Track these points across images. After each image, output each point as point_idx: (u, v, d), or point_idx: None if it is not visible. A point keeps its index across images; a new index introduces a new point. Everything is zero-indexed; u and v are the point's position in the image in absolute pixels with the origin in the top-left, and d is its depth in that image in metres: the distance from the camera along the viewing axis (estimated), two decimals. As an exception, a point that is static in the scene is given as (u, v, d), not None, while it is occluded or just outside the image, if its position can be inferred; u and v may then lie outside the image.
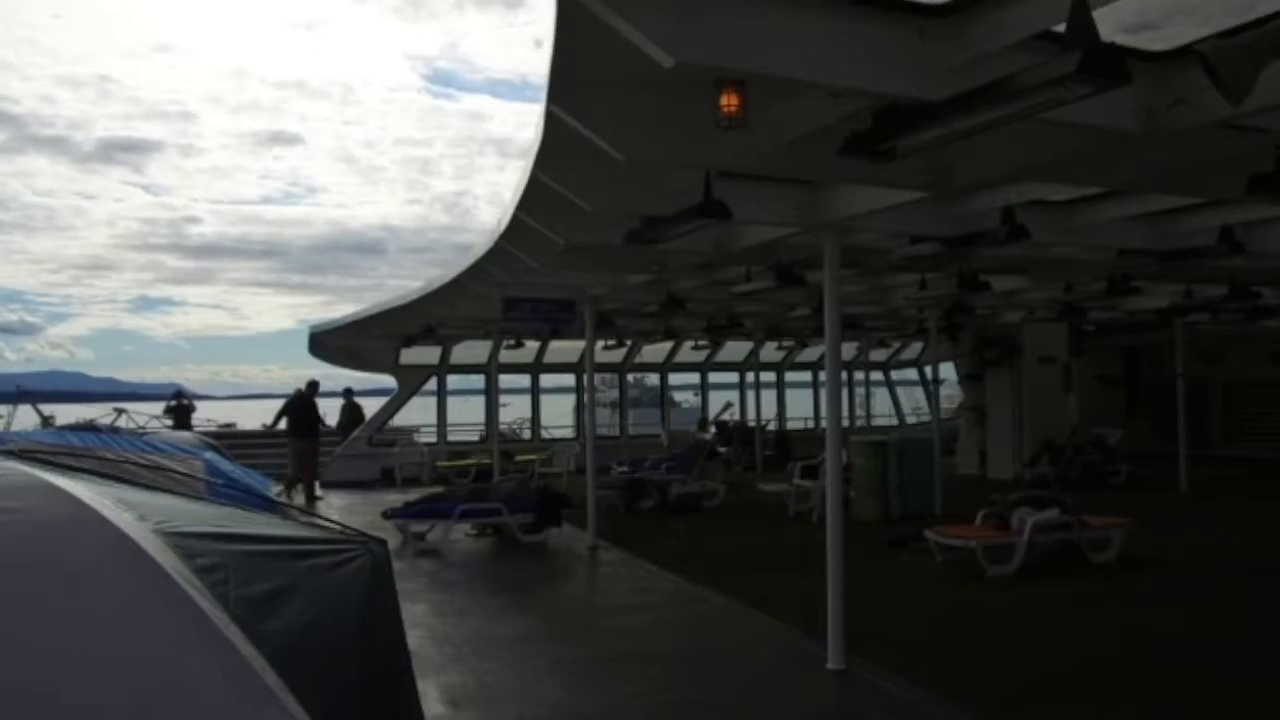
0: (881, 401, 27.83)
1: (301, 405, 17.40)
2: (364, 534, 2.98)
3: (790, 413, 26.07)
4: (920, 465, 13.75)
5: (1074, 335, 19.13)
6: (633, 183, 6.67)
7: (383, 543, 2.91)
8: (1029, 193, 7.34)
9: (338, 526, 2.97)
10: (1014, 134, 4.55)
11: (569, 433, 24.14)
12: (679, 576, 9.80)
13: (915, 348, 25.11)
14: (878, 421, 26.90)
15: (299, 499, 15.76)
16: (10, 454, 2.83)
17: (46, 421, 26.95)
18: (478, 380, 22.38)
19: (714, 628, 8.13)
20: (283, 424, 17.41)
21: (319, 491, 17.39)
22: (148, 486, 3.42)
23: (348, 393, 21.57)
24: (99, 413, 27.39)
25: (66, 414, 30.55)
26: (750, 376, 23.58)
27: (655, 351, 23.26)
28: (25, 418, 27.76)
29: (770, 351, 23.49)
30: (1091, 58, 3.25)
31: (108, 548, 2.23)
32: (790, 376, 25.74)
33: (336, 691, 2.46)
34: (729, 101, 4.20)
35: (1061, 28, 3.48)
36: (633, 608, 8.89)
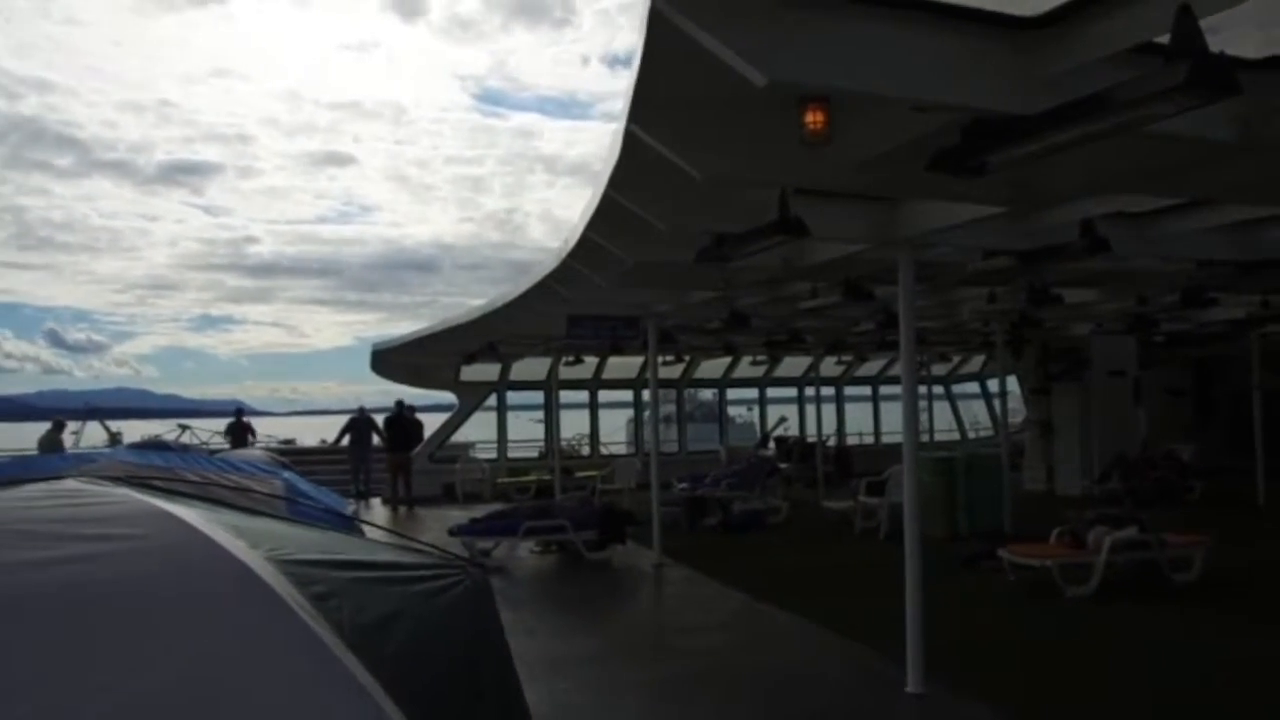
0: (941, 416, 27.45)
1: (399, 422, 18.88)
2: (462, 559, 2.97)
3: (848, 428, 25.82)
4: (988, 481, 13.51)
5: (1143, 347, 18.72)
6: (704, 200, 6.63)
7: (481, 567, 2.91)
8: (1108, 204, 7.18)
9: (437, 551, 2.96)
10: (1099, 146, 4.44)
11: (623, 448, 24.13)
12: (747, 595, 9.72)
13: (976, 361, 24.75)
14: (939, 437, 26.53)
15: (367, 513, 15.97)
16: (119, 480, 2.86)
17: (114, 438, 27.58)
18: (534, 396, 22.51)
19: (786, 648, 8.02)
20: (344, 439, 18.09)
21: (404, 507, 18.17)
22: (244, 510, 3.45)
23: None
24: (163, 429, 27.98)
25: (132, 430, 31.25)
26: (809, 391, 23.40)
27: (713, 367, 23.18)
28: (94, 434, 28.42)
29: (829, 366, 23.29)
30: (1201, 69, 3.16)
31: (227, 576, 2.24)
32: (848, 391, 25.50)
33: (450, 717, 2.45)
34: (814, 119, 4.15)
35: (1160, 38, 3.39)
36: (703, 627, 8.82)
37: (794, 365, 23.29)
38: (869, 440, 25.32)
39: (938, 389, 26.24)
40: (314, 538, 2.86)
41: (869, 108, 4.54)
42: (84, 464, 5.14)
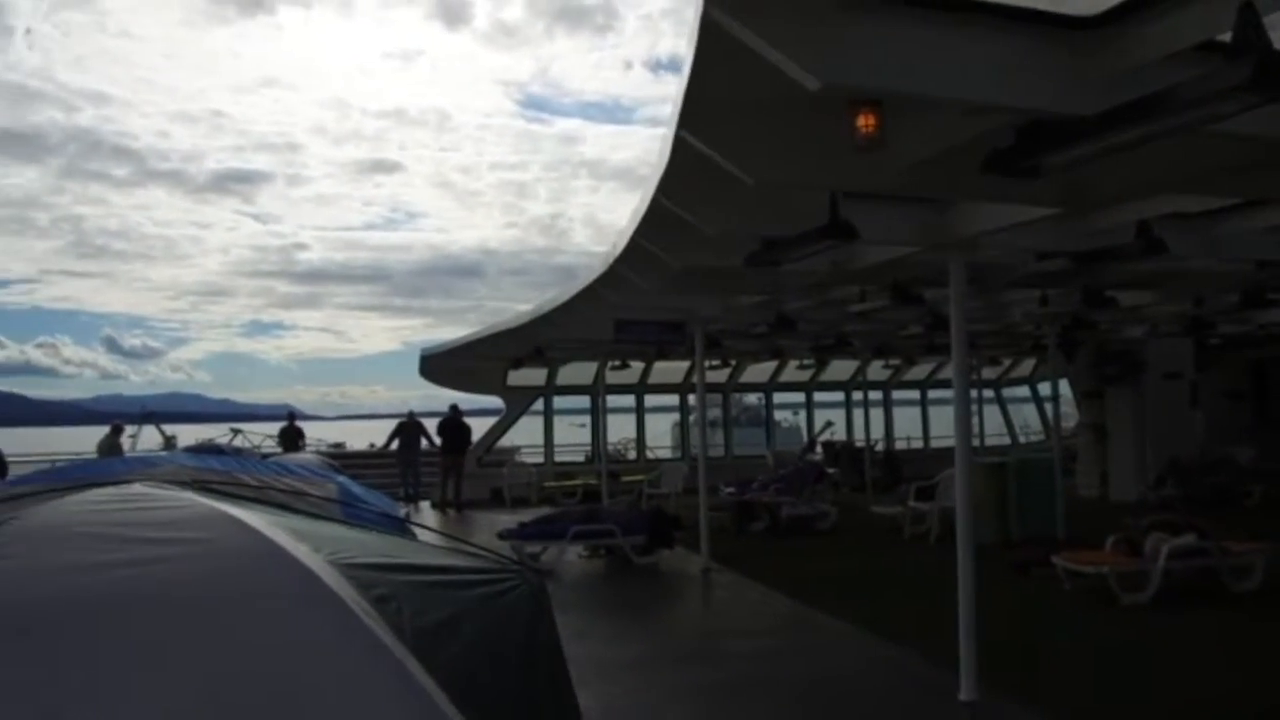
0: (991, 420, 27.08)
1: (452, 425, 19.21)
2: (519, 563, 3.00)
3: (896, 432, 25.58)
4: (1040, 486, 13.29)
5: (1199, 349, 18.34)
6: (753, 204, 6.61)
7: (538, 572, 2.93)
8: (1164, 205, 7.05)
9: (493, 555, 2.99)
10: (1157, 146, 4.36)
11: (669, 452, 24.10)
12: (795, 600, 9.67)
13: (1027, 365, 24.40)
14: (989, 441, 26.18)
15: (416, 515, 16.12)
16: (184, 484, 2.92)
17: (169, 442, 28.11)
18: (580, 401, 22.57)
19: (836, 654, 7.96)
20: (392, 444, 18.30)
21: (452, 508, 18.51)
22: (302, 513, 3.50)
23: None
24: (216, 433, 28.47)
25: (186, 434, 31.83)
26: (856, 395, 23.23)
27: (759, 370, 23.10)
28: (150, 438, 28.99)
29: (876, 370, 23.09)
30: (1266, 66, 3.09)
31: (290, 579, 2.28)
32: (896, 395, 25.27)
33: (507, 721, 2.47)
34: (866, 122, 4.12)
35: (1222, 36, 3.33)
36: (751, 632, 8.79)
37: (841, 369, 23.15)
38: (917, 444, 25.04)
39: (988, 392, 25.90)
40: (372, 541, 2.90)
41: (921, 110, 4.50)
42: (145, 468, 5.23)
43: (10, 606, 2.06)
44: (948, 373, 23.57)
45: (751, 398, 27.74)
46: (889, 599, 9.58)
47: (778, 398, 25.79)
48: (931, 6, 3.74)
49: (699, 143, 4.98)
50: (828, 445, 23.26)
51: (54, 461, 17.05)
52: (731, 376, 22.79)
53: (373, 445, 25.37)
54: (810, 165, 5.22)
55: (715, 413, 25.38)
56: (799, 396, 25.56)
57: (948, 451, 18.07)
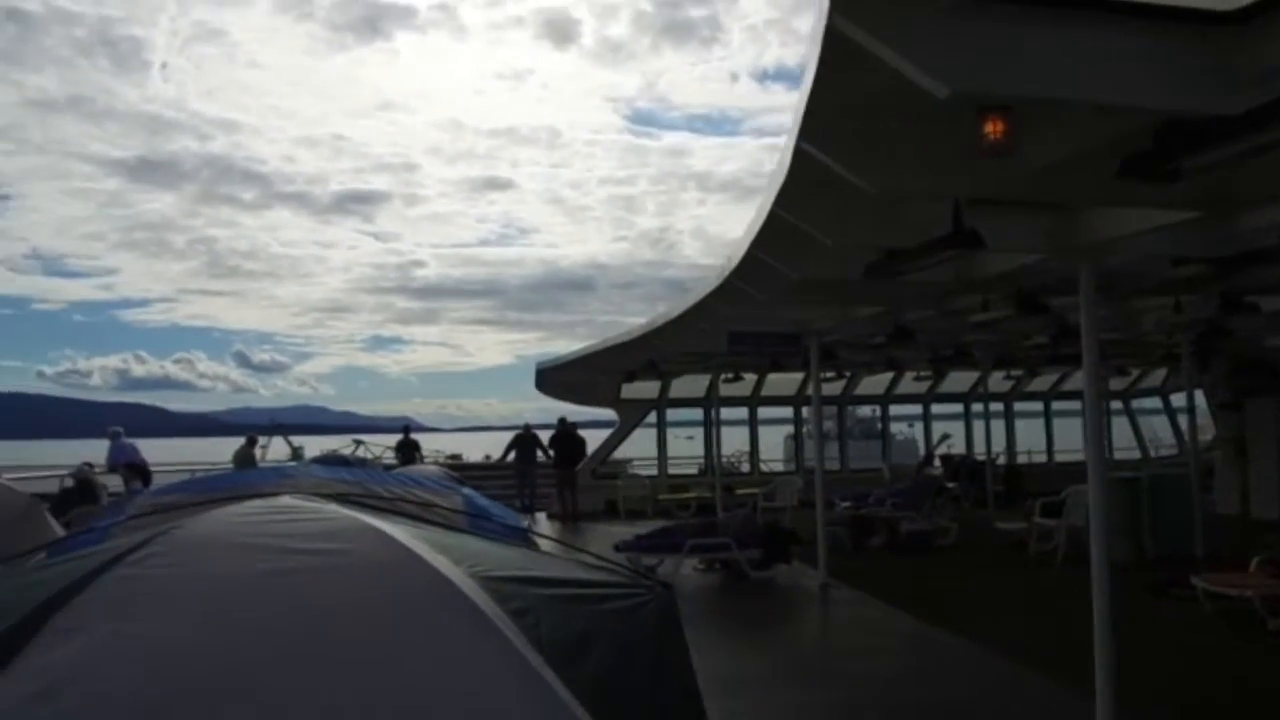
0: (1120, 433, 26.01)
1: (565, 438, 19.47)
2: (649, 577, 3.00)
3: (1018, 445, 24.79)
4: (1176, 503, 12.73)
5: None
6: (873, 214, 6.52)
7: (668, 587, 2.93)
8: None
9: (625, 569, 3.00)
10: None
11: (780, 465, 23.86)
12: (916, 619, 9.44)
13: (1157, 375, 23.39)
14: (1118, 455, 25.15)
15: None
16: (329, 497, 3.03)
17: (296, 452, 29.26)
18: (692, 413, 22.55)
19: (960, 676, 7.74)
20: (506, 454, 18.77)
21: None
22: (436, 525, 3.58)
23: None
24: (339, 444, 29.47)
25: (311, 445, 33.08)
26: (976, 407, 22.60)
27: (875, 382, 22.72)
28: (278, 448, 30.22)
29: (997, 381, 22.44)
30: None
31: (432, 590, 2.34)
32: (1018, 407, 24.49)
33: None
34: (994, 128, 4.01)
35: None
36: (872, 650, 8.61)
37: (959, 380, 22.58)
38: (1039, 459, 24.22)
39: (1115, 404, 24.91)
40: (506, 554, 2.95)
41: (1051, 113, 4.37)
42: (281, 479, 5.45)
43: (178, 608, 2.18)
44: (1074, 384, 22.79)
45: (866, 410, 27.30)
46: (1015, 620, 9.28)
47: (893, 410, 25.32)
48: (1062, 6, 3.63)
49: (819, 153, 4.93)
50: (945, 459, 22.71)
51: (193, 471, 17.91)
52: (846, 388, 22.47)
53: (488, 457, 25.86)
54: (933, 173, 5.11)
55: (829, 425, 25.05)
56: (915, 409, 25.03)
57: (1073, 466, 17.49)
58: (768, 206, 6.36)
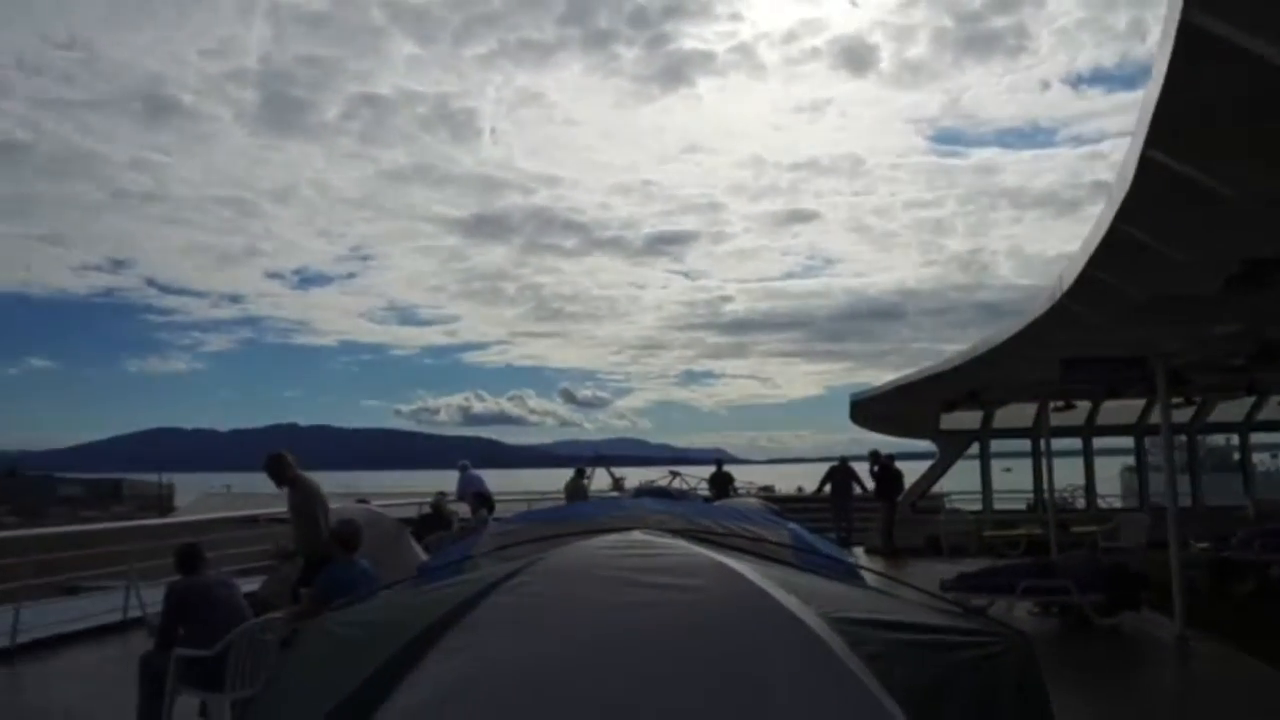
0: None
1: (884, 470, 19.28)
2: (1005, 625, 2.83)
3: None
4: None
5: None
6: (1232, 222, 5.88)
7: (1025, 636, 2.75)
8: None
9: (980, 616, 2.85)
10: None
11: (1117, 500, 21.91)
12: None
13: None
14: None
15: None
16: (676, 533, 3.12)
17: (618, 483, 30.58)
18: (1017, 444, 21.23)
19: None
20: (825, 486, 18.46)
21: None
22: (771, 560, 3.58)
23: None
24: (655, 474, 30.47)
25: (631, 475, 34.48)
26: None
27: (1231, 409, 20.38)
28: (601, 479, 31.74)
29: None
30: None
31: (783, 630, 2.34)
32: None
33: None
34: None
35: None
36: (1244, 717, 7.63)
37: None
38: None
39: None
40: (849, 594, 2.90)
41: None
42: (618, 510, 5.73)
43: (547, 632, 2.33)
44: None
45: (1219, 439, 24.53)
46: None
47: (1255, 439, 22.55)
48: None
49: (1170, 160, 4.52)
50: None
51: (529, 502, 19.26)
52: (1197, 415, 20.30)
53: (800, 489, 25.68)
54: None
55: (1180, 457, 22.71)
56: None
57: None
58: (1108, 220, 5.90)
